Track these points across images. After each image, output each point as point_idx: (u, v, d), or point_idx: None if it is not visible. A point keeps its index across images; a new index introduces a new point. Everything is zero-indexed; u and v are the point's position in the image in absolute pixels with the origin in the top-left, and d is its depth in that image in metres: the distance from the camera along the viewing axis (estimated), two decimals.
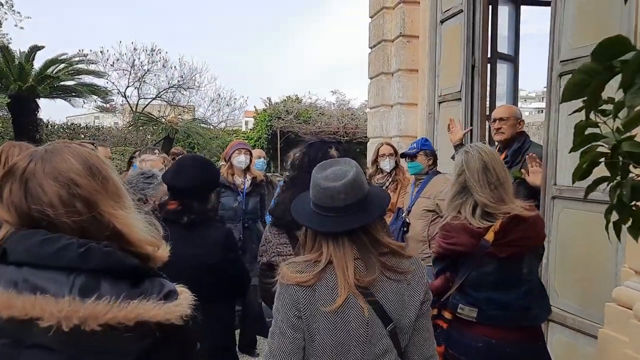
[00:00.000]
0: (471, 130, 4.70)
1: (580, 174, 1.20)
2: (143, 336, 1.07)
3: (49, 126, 19.46)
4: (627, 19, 2.81)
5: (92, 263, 1.08)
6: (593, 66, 1.07)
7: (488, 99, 5.31)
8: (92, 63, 13.44)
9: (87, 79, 11.42)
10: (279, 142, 19.09)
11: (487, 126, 4.88)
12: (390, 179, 4.81)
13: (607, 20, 2.98)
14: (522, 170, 3.53)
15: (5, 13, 12.55)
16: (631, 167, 1.12)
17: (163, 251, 1.28)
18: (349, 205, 1.66)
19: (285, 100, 21.31)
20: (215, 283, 2.46)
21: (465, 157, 2.52)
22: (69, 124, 21.30)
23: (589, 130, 1.11)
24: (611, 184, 1.18)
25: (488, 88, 5.17)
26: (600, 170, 1.12)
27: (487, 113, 5.05)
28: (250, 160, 4.94)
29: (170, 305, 1.13)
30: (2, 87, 9.97)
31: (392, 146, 4.86)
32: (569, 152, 1.22)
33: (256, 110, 22.63)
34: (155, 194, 3.00)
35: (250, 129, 24.24)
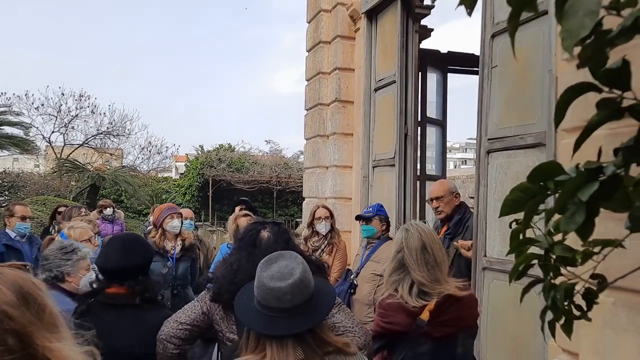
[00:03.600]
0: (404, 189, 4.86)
1: (517, 275, 1.25)
2: None
3: None
4: (548, 104, 3.03)
5: None
6: (529, 186, 1.12)
7: (419, 161, 5.52)
8: (18, 114, 12.79)
9: (9, 129, 10.81)
10: (210, 191, 18.80)
11: (417, 187, 5.08)
12: (326, 242, 4.84)
13: (529, 105, 3.20)
14: (458, 243, 3.68)
15: None
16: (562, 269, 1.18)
17: None
18: (296, 306, 1.62)
19: (218, 148, 21.16)
20: None
21: (405, 234, 2.58)
22: None
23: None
24: (545, 285, 1.24)
25: (419, 151, 5.38)
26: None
27: (418, 174, 5.25)
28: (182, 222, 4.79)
29: None
30: None
31: (328, 209, 4.91)
32: (506, 255, 1.27)
33: (187, 158, 22.30)
34: (74, 271, 2.83)
35: (181, 175, 23.73)
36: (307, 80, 6.55)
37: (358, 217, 4.53)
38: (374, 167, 5.31)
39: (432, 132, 6.38)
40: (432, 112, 6.30)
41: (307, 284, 1.66)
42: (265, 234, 2.34)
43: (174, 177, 26.38)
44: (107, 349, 2.33)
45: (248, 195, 18.78)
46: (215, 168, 19.37)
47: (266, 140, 28.23)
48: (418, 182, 5.21)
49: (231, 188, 19.18)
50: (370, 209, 4.43)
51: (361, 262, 4.39)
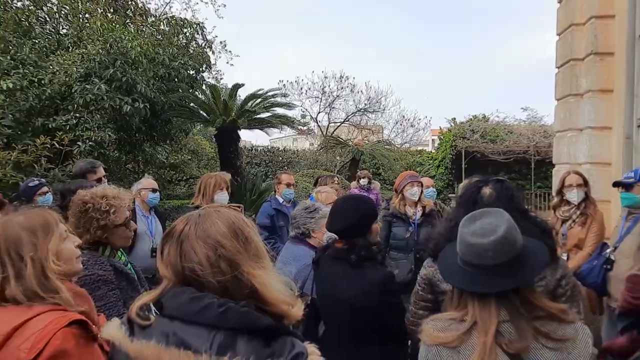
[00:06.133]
0: None
1: None
2: None
3: (253, 150, 21.71)
4: None
5: (230, 322, 1.20)
6: None
7: None
8: (285, 96, 14.71)
9: (280, 110, 12.56)
10: (463, 163, 18.52)
11: None
12: (578, 212, 4.41)
13: None
14: None
15: (219, 52, 14.42)
16: None
17: (297, 309, 1.35)
18: (499, 264, 1.55)
19: (471, 119, 20.64)
20: (370, 325, 2.48)
21: None
22: (270, 147, 23.49)
23: None
24: None
25: None
26: None
27: None
28: (421, 191, 4.92)
29: None
30: (210, 121, 11.47)
31: (581, 175, 4.46)
32: None
33: (441, 129, 22.34)
34: (317, 227, 3.18)
35: (436, 149, 23.97)
36: (558, 34, 5.93)
37: (616, 184, 4.03)
38: (638, 126, 4.57)
39: None
40: None
41: (512, 242, 1.57)
42: (487, 190, 2.25)
43: (429, 150, 26.80)
44: (331, 297, 2.61)
45: (503, 166, 18.01)
46: (468, 139, 18.95)
47: (522, 108, 26.36)
48: None
49: (485, 159, 18.55)
50: (632, 174, 3.94)
51: (620, 234, 3.96)
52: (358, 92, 24.05)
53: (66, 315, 1.57)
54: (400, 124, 25.79)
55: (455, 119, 20.79)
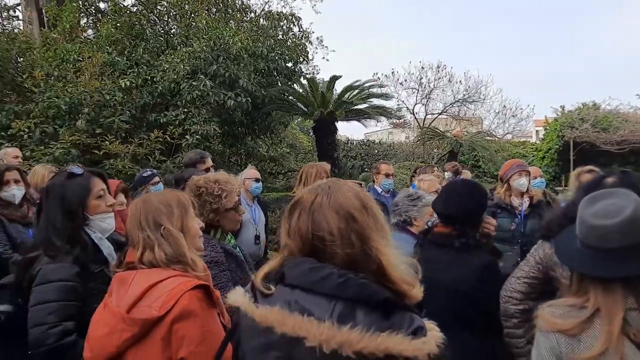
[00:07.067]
0: None
1: None
2: None
3: (349, 143, 21.82)
4: None
5: (348, 292, 1.22)
6: None
7: None
8: (381, 87, 14.69)
9: (377, 101, 12.59)
10: (571, 154, 17.37)
11: None
12: None
13: None
14: None
15: (316, 48, 14.69)
16: None
17: (418, 291, 1.34)
18: (625, 247, 1.45)
19: (580, 107, 19.30)
20: (469, 313, 2.42)
21: None
22: (366, 140, 23.48)
23: None
24: None
25: None
26: None
27: None
28: (529, 181, 4.66)
29: (418, 341, 1.18)
30: (308, 114, 11.71)
31: None
32: None
33: (546, 119, 21.12)
34: (419, 215, 3.14)
35: (541, 140, 22.70)
36: None
37: None
38: None
39: None
40: None
41: None
42: (610, 180, 2.16)
43: (533, 142, 25.49)
44: (431, 282, 2.55)
45: (617, 157, 16.68)
46: (577, 129, 17.73)
47: (638, 95, 24.20)
48: None
49: (596, 150, 17.27)
50: None
51: None
52: (456, 82, 23.41)
53: (191, 280, 1.70)
54: (502, 114, 24.78)
55: (563, 106, 19.55)
